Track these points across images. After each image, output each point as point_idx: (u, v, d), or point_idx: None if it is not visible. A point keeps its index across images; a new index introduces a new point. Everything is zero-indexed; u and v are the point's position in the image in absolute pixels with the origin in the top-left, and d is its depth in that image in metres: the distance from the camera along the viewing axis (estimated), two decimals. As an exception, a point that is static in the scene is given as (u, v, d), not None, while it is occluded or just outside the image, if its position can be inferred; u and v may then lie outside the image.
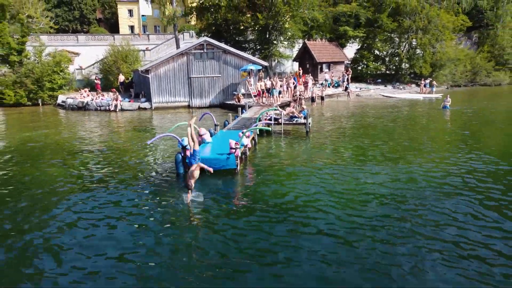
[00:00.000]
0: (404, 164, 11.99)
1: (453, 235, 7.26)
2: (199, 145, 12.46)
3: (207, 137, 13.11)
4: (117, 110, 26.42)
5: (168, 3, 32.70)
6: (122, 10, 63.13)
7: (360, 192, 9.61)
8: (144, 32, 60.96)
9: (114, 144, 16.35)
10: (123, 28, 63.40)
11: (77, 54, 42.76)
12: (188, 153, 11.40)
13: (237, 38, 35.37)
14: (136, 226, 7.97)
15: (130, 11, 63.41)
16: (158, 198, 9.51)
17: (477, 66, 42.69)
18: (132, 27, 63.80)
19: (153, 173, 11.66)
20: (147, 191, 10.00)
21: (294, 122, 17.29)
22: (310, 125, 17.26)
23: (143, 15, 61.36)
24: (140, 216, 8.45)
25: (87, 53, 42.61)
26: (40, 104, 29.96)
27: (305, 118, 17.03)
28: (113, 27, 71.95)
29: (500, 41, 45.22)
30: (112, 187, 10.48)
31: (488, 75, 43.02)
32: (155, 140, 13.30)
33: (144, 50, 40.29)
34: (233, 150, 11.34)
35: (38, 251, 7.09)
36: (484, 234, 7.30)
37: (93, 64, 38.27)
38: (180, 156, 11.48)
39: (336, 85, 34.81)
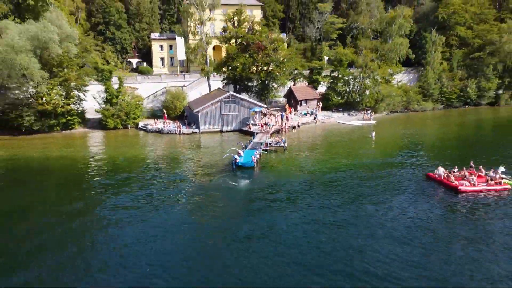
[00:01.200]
0: (337, 162, 31.80)
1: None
2: (239, 156, 32.34)
3: (242, 153, 32.79)
4: (180, 133, 45.96)
5: (203, 64, 52.75)
6: (155, 46, 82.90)
7: (305, 171, 29.37)
8: (172, 64, 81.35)
9: (193, 152, 36.11)
10: (156, 59, 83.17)
11: (136, 89, 62.34)
12: (237, 160, 31.27)
13: (246, 83, 55.19)
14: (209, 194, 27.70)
15: (161, 46, 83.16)
16: (222, 179, 28.99)
17: (410, 98, 62.49)
18: (162, 59, 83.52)
19: (218, 168, 31.12)
20: (217, 177, 29.46)
21: (278, 145, 36.99)
22: (286, 146, 36.94)
23: (171, 50, 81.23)
24: (212, 190, 28.09)
25: (142, 88, 62.11)
26: (129, 128, 49.57)
27: (284, 143, 36.74)
28: (144, 55, 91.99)
29: (428, 79, 64.99)
30: (194, 174, 30.18)
31: (417, 104, 62.81)
32: (226, 156, 32.77)
33: (182, 86, 59.92)
34: (253, 159, 31.02)
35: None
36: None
37: (148, 97, 57.94)
38: (233, 162, 31.12)
39: (310, 113, 54.47)
